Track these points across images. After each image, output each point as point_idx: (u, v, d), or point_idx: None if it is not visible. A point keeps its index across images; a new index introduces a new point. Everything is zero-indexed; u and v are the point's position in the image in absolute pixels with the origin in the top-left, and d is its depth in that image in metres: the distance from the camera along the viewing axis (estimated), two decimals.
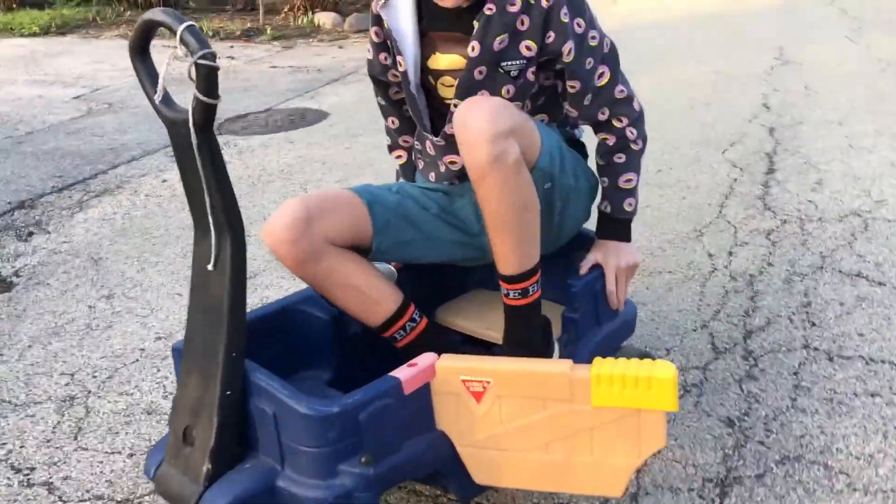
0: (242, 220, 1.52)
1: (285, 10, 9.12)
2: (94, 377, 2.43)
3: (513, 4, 1.73)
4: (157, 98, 1.46)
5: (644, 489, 1.85)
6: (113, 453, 2.08)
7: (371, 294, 1.77)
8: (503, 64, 1.77)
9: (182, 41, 1.35)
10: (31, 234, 3.62)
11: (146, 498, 1.92)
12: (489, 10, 1.73)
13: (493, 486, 1.72)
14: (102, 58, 7.47)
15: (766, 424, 2.05)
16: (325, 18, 8.82)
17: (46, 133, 5.18)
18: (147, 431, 2.16)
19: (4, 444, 2.15)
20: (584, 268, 1.92)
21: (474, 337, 1.97)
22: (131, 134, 5.09)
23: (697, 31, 7.50)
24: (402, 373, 1.56)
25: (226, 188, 1.48)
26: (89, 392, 2.36)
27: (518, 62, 1.77)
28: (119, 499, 1.92)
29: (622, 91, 1.87)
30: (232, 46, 7.88)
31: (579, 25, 1.79)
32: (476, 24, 1.75)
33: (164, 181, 4.20)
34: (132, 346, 2.61)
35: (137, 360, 2.51)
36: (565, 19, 1.76)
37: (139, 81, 1.50)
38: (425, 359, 1.60)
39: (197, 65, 1.35)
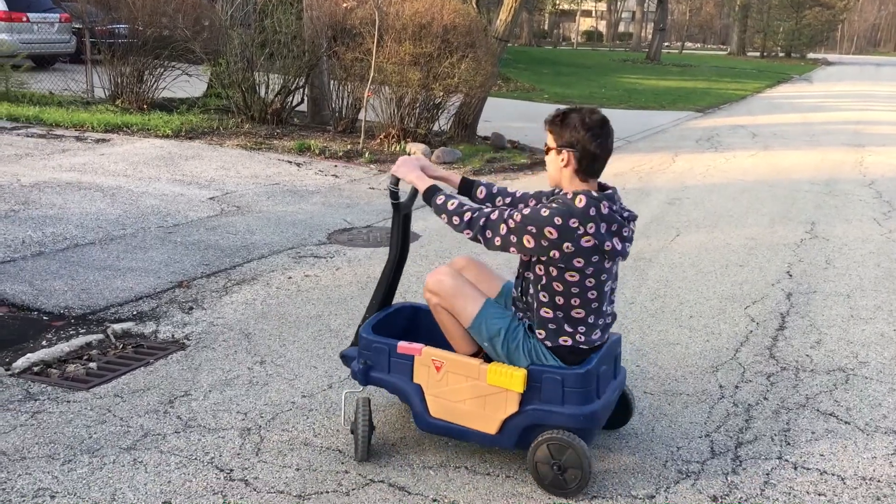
0: (409, 244, 3.35)
1: (381, 136, 10.39)
2: (262, 417, 3.39)
3: None
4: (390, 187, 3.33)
5: None
6: (285, 467, 3.02)
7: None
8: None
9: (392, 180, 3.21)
10: (191, 308, 4.66)
11: (313, 496, 2.84)
12: None
13: (440, 419, 3.03)
14: (227, 165, 8.75)
15: None
16: (415, 148, 10.03)
17: (190, 227, 6.33)
18: (306, 457, 3.10)
19: (207, 452, 3.10)
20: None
21: None
22: (258, 235, 6.21)
23: (742, 197, 8.48)
24: (401, 343, 3.08)
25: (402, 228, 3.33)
26: (260, 426, 3.31)
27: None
28: (294, 493, 2.85)
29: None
30: (336, 166, 9.13)
31: None
32: None
33: (290, 278, 5.24)
34: (285, 399, 3.56)
35: (291, 410, 3.47)
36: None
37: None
38: (417, 344, 3.07)
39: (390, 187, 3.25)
